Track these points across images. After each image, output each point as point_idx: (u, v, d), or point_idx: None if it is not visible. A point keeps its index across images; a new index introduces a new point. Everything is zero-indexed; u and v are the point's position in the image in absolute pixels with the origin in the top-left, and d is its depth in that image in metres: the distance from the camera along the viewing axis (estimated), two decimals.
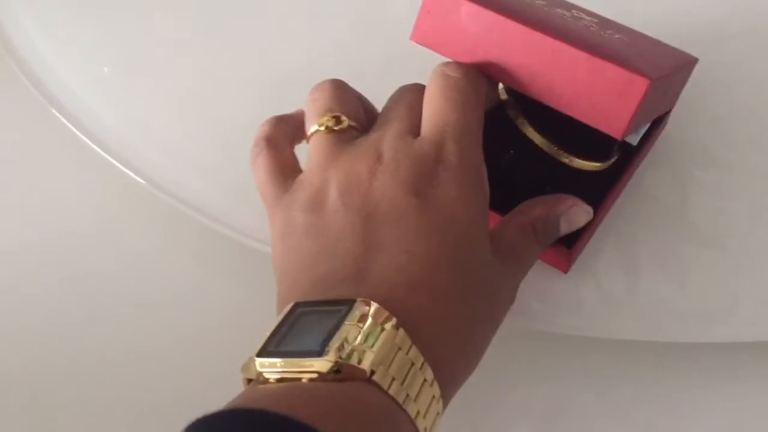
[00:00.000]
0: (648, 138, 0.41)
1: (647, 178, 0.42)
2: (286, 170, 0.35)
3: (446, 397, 0.30)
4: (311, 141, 0.35)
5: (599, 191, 0.38)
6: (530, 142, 0.37)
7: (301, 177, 0.35)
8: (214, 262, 0.45)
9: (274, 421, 0.23)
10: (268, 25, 0.51)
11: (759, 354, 0.39)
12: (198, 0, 0.53)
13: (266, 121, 0.37)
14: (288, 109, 0.39)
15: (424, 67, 0.42)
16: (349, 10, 0.51)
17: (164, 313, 0.43)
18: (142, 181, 0.45)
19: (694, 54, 0.40)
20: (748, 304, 0.38)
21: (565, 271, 0.39)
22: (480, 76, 0.35)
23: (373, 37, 0.49)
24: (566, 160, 0.37)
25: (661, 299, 0.38)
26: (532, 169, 0.39)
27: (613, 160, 0.38)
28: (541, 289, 0.38)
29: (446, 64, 0.35)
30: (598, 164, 0.37)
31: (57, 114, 0.48)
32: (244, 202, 0.42)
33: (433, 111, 0.34)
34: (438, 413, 0.29)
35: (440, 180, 0.32)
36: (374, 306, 0.28)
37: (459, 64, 0.34)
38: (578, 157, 0.37)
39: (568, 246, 0.37)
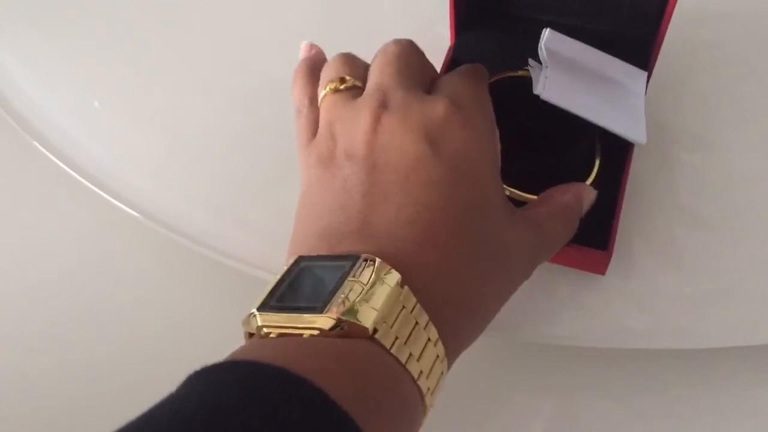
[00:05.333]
0: None
1: (633, 164, 0.41)
2: (313, 131, 0.34)
3: (451, 357, 0.29)
4: (321, 105, 0.35)
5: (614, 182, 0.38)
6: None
7: (317, 133, 0.34)
8: (210, 290, 0.44)
9: (269, 372, 0.23)
10: (259, 51, 0.50)
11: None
12: (185, 29, 0.52)
13: (303, 76, 0.36)
14: (277, 135, 0.38)
15: None
16: (327, 18, 0.51)
17: (162, 342, 0.42)
18: (136, 213, 0.43)
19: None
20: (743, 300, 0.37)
21: (603, 273, 0.37)
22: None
23: (356, 44, 0.48)
24: None
25: (659, 286, 0.37)
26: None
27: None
28: (529, 298, 0.37)
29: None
30: None
31: (46, 152, 0.46)
32: (240, 230, 0.42)
33: (445, 78, 0.34)
34: (442, 373, 0.28)
35: (453, 126, 0.31)
36: (378, 262, 0.27)
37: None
38: None
39: (603, 247, 0.36)
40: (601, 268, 0.36)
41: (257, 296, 0.28)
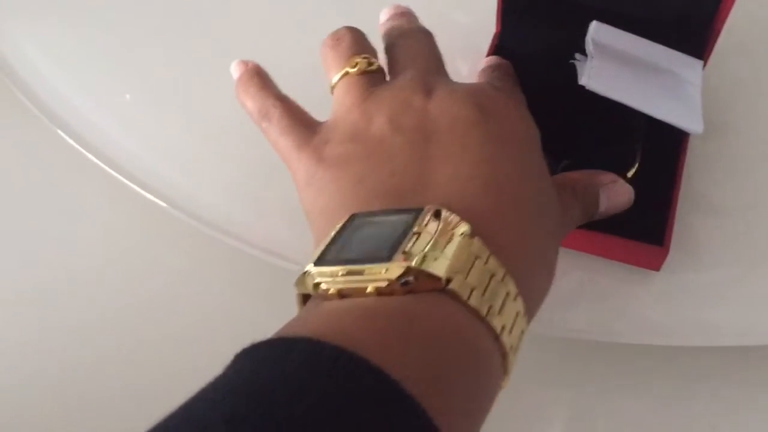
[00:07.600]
0: None
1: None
2: (305, 119, 0.32)
3: (529, 315, 0.27)
4: (339, 85, 0.33)
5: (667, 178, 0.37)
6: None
7: (331, 119, 0.32)
8: (241, 282, 0.43)
9: (327, 353, 0.20)
10: (289, 43, 0.48)
11: None
12: (214, 22, 0.51)
13: (256, 83, 0.34)
14: None
15: None
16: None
17: (193, 335, 0.41)
18: (165, 204, 0.43)
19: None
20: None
21: (658, 269, 0.36)
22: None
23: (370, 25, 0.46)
24: None
25: (674, 272, 0.37)
26: None
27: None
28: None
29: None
30: None
31: (75, 144, 0.45)
32: (273, 222, 0.41)
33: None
34: (523, 331, 0.26)
35: (499, 99, 0.31)
36: (445, 212, 0.25)
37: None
38: None
39: (659, 243, 0.35)
40: (655, 264, 0.36)
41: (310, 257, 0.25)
